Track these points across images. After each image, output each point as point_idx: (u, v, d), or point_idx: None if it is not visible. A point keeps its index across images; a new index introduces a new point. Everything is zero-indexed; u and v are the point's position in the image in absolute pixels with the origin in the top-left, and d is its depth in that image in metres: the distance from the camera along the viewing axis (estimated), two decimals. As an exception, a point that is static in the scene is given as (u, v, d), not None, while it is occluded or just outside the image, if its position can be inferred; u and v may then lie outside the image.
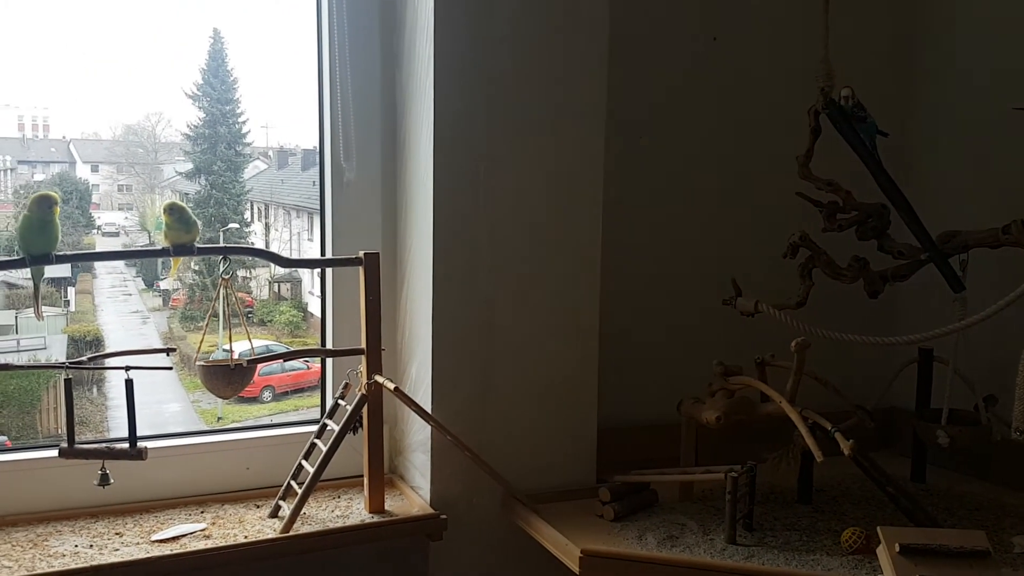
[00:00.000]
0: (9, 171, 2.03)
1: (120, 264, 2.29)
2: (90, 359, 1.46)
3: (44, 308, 1.99)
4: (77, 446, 1.44)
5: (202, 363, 1.54)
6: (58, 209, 1.43)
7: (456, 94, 1.62)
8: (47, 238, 1.42)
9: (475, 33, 1.63)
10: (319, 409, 1.90)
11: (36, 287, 1.48)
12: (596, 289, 1.75)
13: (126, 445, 1.45)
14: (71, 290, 2.16)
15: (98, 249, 2.09)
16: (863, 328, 1.58)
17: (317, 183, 1.87)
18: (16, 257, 1.45)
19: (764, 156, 1.93)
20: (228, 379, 1.53)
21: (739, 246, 1.95)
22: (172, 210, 1.49)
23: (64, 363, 1.45)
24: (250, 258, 2.02)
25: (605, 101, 1.73)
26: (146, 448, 1.46)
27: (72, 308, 2.14)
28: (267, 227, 2.33)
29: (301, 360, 2.15)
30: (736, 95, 1.96)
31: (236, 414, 2.19)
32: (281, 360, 1.86)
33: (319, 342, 1.88)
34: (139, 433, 1.48)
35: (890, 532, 1.37)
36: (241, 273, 2.24)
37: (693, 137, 1.94)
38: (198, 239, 1.53)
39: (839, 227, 1.63)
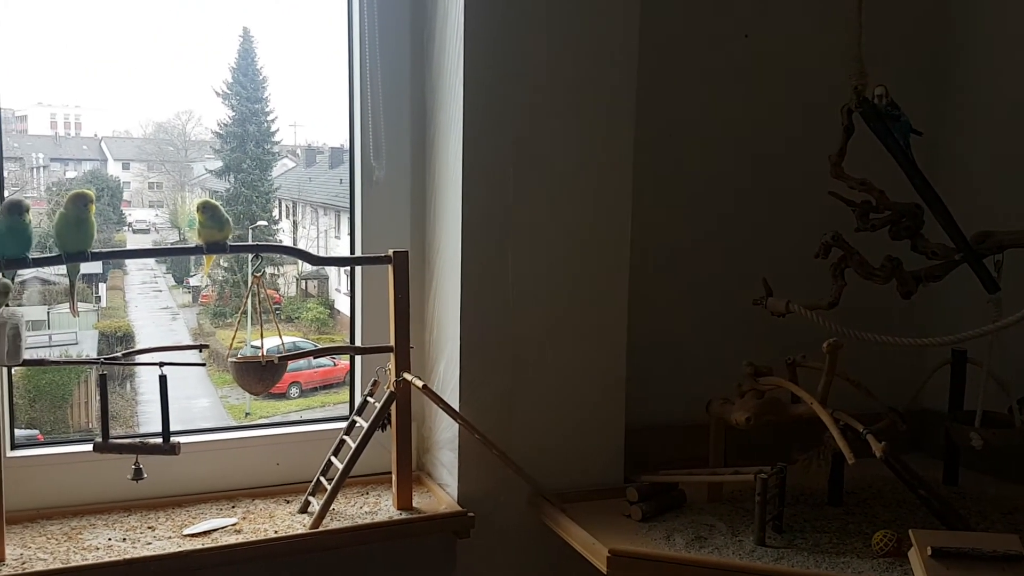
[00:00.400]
0: (42, 168, 2.05)
1: (151, 261, 2.32)
2: (124, 355, 1.48)
3: (78, 304, 2.02)
4: (111, 441, 1.46)
5: (234, 360, 1.55)
6: (94, 207, 1.44)
7: (485, 93, 1.63)
8: (83, 236, 1.44)
9: (505, 32, 1.63)
10: (346, 405, 1.91)
11: (72, 284, 1.50)
12: (625, 288, 1.75)
13: (159, 440, 1.47)
14: (102, 286, 2.19)
15: (129, 246, 2.11)
16: (895, 329, 1.56)
17: (344, 181, 1.88)
18: (52, 254, 1.47)
19: (796, 155, 1.91)
20: (260, 375, 1.54)
21: (770, 246, 1.94)
22: (205, 208, 1.51)
23: (99, 359, 1.47)
24: (278, 256, 2.03)
25: (635, 100, 1.72)
26: (179, 443, 1.48)
27: (103, 304, 2.17)
28: (294, 225, 2.34)
29: (328, 356, 2.17)
30: (768, 93, 1.94)
31: (264, 410, 2.21)
32: (312, 357, 1.87)
33: (345, 339, 1.89)
34: (171, 428, 1.50)
35: (922, 535, 1.36)
36: (269, 270, 2.26)
37: (724, 136, 1.93)
38: (230, 237, 1.54)
39: (872, 227, 1.61)
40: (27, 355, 1.42)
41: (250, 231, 2.12)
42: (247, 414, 2.17)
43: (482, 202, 1.65)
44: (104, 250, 1.52)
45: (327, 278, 2.30)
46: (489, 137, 1.64)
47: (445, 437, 1.74)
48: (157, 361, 1.46)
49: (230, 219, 1.54)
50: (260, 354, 1.56)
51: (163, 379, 1.46)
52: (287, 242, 2.23)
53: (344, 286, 2.23)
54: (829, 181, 1.62)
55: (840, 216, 1.62)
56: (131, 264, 2.26)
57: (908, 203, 1.63)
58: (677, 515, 1.62)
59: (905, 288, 1.62)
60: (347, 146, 1.99)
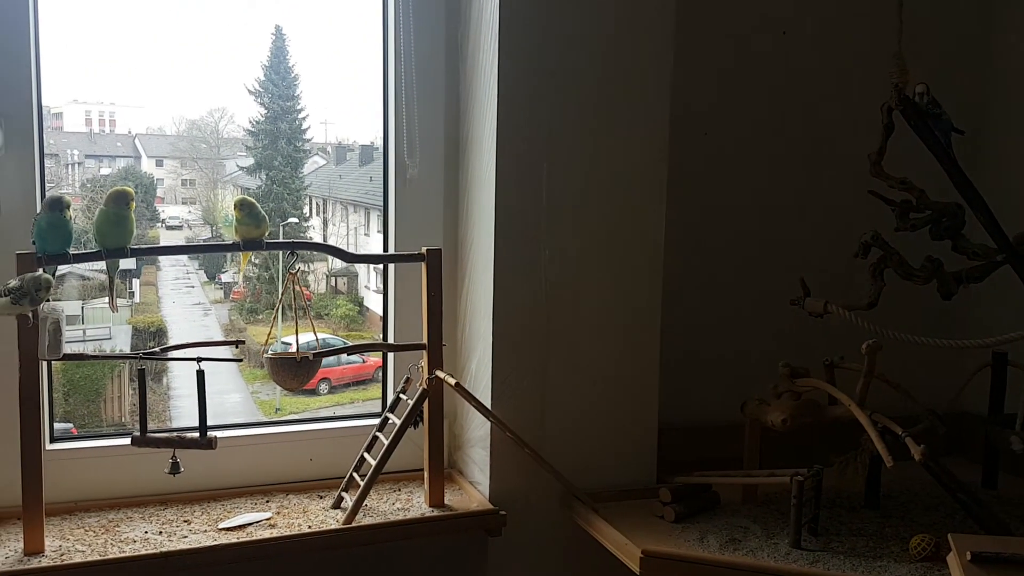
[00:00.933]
0: (77, 165, 2.08)
1: (183, 257, 2.34)
2: (163, 350, 1.49)
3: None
4: (149, 435, 1.47)
5: (269, 355, 1.56)
6: (134, 205, 1.46)
7: (520, 91, 1.62)
8: (123, 232, 1.46)
9: (540, 29, 1.62)
10: (374, 402, 1.92)
11: (111, 280, 1.52)
12: (658, 287, 1.74)
13: (196, 434, 1.48)
14: (136, 282, 2.21)
15: (162, 242, 2.14)
16: (935, 330, 1.54)
17: (374, 179, 1.88)
18: (91, 250, 1.49)
19: (834, 153, 1.90)
20: (294, 371, 1.55)
21: (808, 245, 1.92)
22: (243, 205, 1.52)
23: (138, 354, 1.48)
24: (308, 253, 2.04)
25: (670, 97, 1.71)
26: (215, 437, 1.49)
27: (136, 299, 2.19)
28: (324, 222, 2.35)
29: (358, 354, 2.18)
30: (805, 90, 1.93)
31: (293, 406, 2.22)
32: (346, 353, 1.88)
33: (374, 336, 1.90)
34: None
35: (961, 540, 1.34)
36: (299, 267, 2.27)
37: (760, 133, 1.92)
38: (267, 234, 1.55)
39: (912, 226, 1.59)
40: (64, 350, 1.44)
41: (281, 228, 2.13)
42: (277, 410, 2.19)
43: (515, 199, 1.64)
44: (142, 246, 1.54)
45: (356, 275, 2.31)
46: (523, 134, 1.63)
47: (477, 435, 1.74)
48: (195, 356, 1.47)
49: (267, 217, 1.55)
50: (294, 350, 1.57)
51: (201, 374, 1.47)
52: (317, 239, 2.24)
53: (373, 283, 2.23)
54: (869, 180, 1.60)
55: (880, 215, 1.60)
56: (164, 260, 2.29)
57: (949, 202, 1.61)
58: (711, 517, 1.60)
59: (945, 289, 1.60)
60: (377, 143, 2.00)
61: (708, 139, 1.88)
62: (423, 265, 1.62)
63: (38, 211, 1.49)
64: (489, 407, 1.64)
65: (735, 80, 1.90)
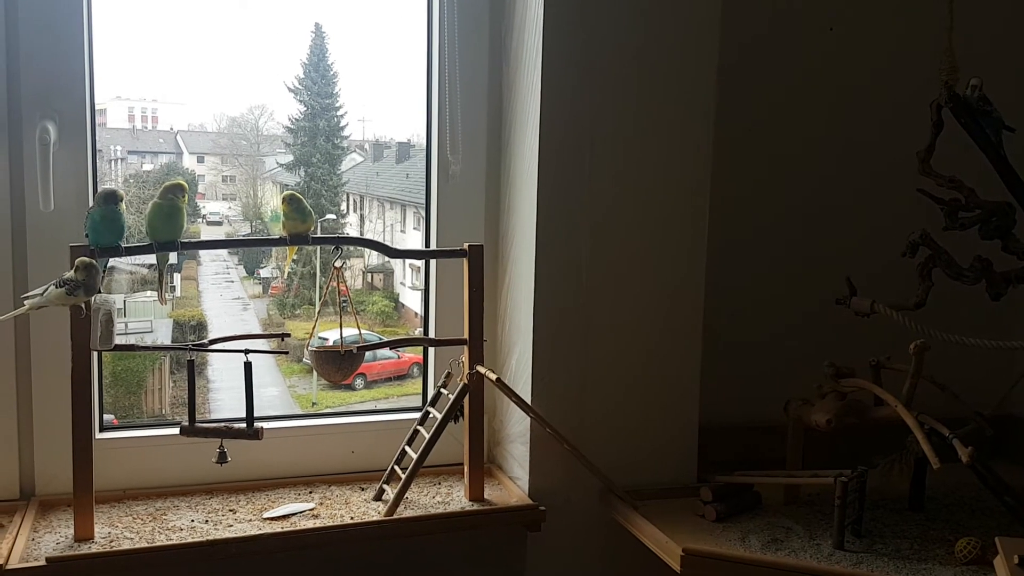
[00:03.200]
0: (120, 160, 2.11)
1: (223, 252, 2.37)
2: (210, 342, 1.51)
3: (151, 293, 2.08)
4: (198, 425, 1.49)
5: (314, 349, 1.58)
6: (186, 199, 1.48)
7: (563, 88, 1.62)
8: (174, 226, 1.48)
9: (584, 27, 1.62)
10: (409, 398, 1.93)
11: (160, 273, 1.54)
12: (701, 283, 1.73)
13: (243, 425, 1.50)
14: (177, 276, 2.24)
15: (203, 238, 2.16)
16: (982, 331, 1.51)
17: (410, 176, 1.89)
18: (141, 243, 1.51)
19: (882, 151, 1.87)
20: (338, 365, 1.57)
21: (854, 243, 1.89)
22: (291, 200, 1.54)
23: (188, 345, 1.51)
24: (346, 249, 2.06)
25: (715, 95, 1.70)
26: (262, 428, 1.51)
27: (178, 293, 2.22)
28: (361, 218, 2.37)
29: (392, 349, 2.19)
30: (853, 87, 1.90)
31: (329, 400, 2.24)
32: (389, 348, 1.90)
33: (409, 332, 1.91)
34: (240, 415, 1.53)
35: (1009, 543, 1.32)
36: (342, 262, 2.29)
37: (806, 131, 1.90)
38: (312, 229, 1.57)
39: (961, 225, 1.57)
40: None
41: (319, 224, 2.15)
42: (313, 404, 2.21)
43: (557, 196, 1.64)
44: (191, 240, 1.56)
45: (392, 272, 2.33)
46: (566, 131, 1.63)
47: (516, 430, 1.74)
48: (243, 349, 1.49)
49: (313, 212, 1.57)
50: (338, 344, 1.59)
51: (248, 366, 1.49)
52: (354, 236, 2.25)
53: (409, 280, 2.25)
54: (917, 178, 1.58)
55: (928, 214, 1.58)
56: (204, 255, 2.32)
57: (999, 201, 1.58)
58: (752, 517, 1.60)
59: (995, 290, 1.57)
60: (414, 140, 2.01)
61: (753, 135, 1.86)
62: (465, 261, 1.63)
63: (90, 204, 1.52)
64: (529, 403, 1.64)
65: (783, 76, 1.88)
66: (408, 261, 2.18)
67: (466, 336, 1.63)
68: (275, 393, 2.22)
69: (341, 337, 1.59)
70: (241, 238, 2.07)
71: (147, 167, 2.20)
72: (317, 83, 2.06)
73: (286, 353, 1.62)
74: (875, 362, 1.62)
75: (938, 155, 1.58)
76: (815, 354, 1.67)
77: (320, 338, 1.69)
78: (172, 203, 1.47)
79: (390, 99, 2.03)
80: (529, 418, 1.65)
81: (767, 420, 1.72)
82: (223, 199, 2.33)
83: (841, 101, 1.91)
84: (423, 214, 1.91)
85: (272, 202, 2.22)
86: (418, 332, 2.06)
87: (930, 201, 1.58)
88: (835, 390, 1.59)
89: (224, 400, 2.04)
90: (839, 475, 1.47)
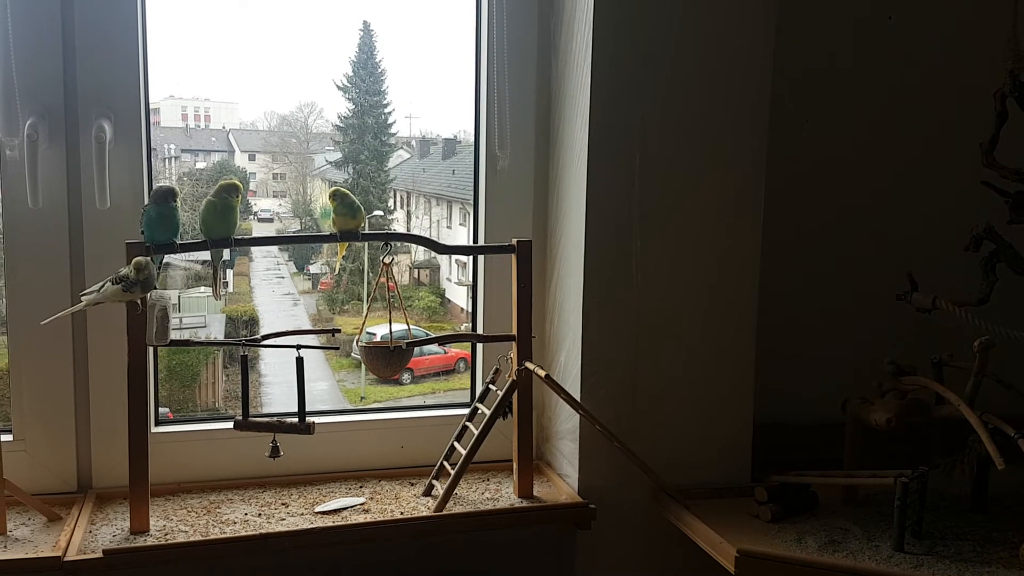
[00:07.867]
0: (173, 159, 2.15)
1: (274, 249, 2.40)
2: (263, 337, 1.53)
3: (205, 288, 2.11)
4: (251, 419, 1.51)
5: (363, 345, 1.59)
6: (240, 198, 1.50)
7: (613, 81, 1.60)
8: (228, 223, 1.50)
9: (633, 23, 1.60)
10: (456, 393, 1.93)
11: (215, 269, 1.57)
12: (755, 279, 1.70)
13: (295, 419, 1.51)
14: (230, 272, 2.28)
15: (254, 234, 2.19)
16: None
17: (456, 172, 1.89)
18: (196, 240, 1.53)
19: (944, 142, 1.82)
20: (387, 360, 1.57)
21: (914, 237, 1.85)
22: (336, 195, 1.55)
23: (241, 340, 1.52)
24: (394, 244, 2.07)
25: (770, 90, 1.66)
26: (314, 423, 1.52)
27: (230, 289, 2.26)
28: (408, 215, 2.38)
29: (439, 345, 2.20)
30: (913, 76, 1.86)
31: (377, 395, 2.26)
32: (438, 344, 1.90)
33: (455, 327, 1.91)
34: (291, 409, 1.54)
35: (1079, 548, 1.27)
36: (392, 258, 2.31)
37: (864, 122, 1.86)
38: (363, 225, 1.57)
39: (1027, 219, 1.52)
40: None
41: (367, 221, 2.17)
42: (362, 398, 2.23)
43: (606, 191, 1.63)
44: (245, 237, 1.57)
45: (439, 268, 2.33)
46: (615, 125, 1.61)
47: (565, 427, 1.73)
48: (295, 344, 1.50)
49: (362, 207, 1.58)
50: (387, 339, 1.59)
51: (300, 361, 1.50)
52: (401, 232, 2.27)
53: (455, 275, 2.25)
54: (981, 170, 1.53)
55: (992, 207, 1.53)
56: (256, 252, 2.35)
57: (1067, 194, 1.53)
58: (808, 517, 1.56)
59: (1063, 285, 1.52)
60: (460, 137, 2.00)
61: (809, 127, 1.83)
62: (513, 257, 1.62)
63: (146, 202, 1.55)
64: (578, 400, 1.63)
65: (840, 66, 1.84)
66: (454, 257, 2.18)
67: (514, 332, 1.62)
68: (325, 387, 2.24)
69: (391, 332, 1.59)
70: (293, 235, 2.09)
71: (200, 165, 2.23)
72: (365, 80, 2.08)
73: (337, 348, 1.63)
74: (937, 360, 1.57)
75: (1002, 146, 1.53)
76: (872, 352, 1.63)
77: (368, 333, 1.70)
78: (225, 201, 1.49)
79: (437, 96, 2.04)
80: (578, 415, 1.63)
81: (822, 419, 1.68)
82: (273, 196, 2.37)
83: (900, 91, 1.86)
84: (469, 210, 1.91)
85: (321, 199, 2.24)
86: (463, 327, 2.06)
87: (993, 194, 1.53)
88: (895, 388, 1.55)
89: (275, 394, 2.07)
90: (899, 475, 1.44)
